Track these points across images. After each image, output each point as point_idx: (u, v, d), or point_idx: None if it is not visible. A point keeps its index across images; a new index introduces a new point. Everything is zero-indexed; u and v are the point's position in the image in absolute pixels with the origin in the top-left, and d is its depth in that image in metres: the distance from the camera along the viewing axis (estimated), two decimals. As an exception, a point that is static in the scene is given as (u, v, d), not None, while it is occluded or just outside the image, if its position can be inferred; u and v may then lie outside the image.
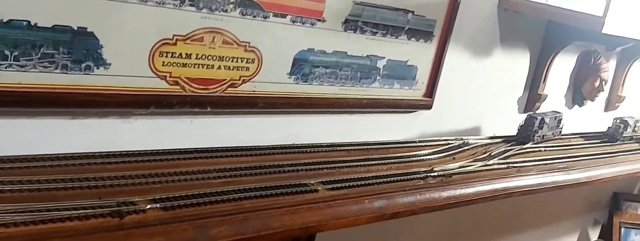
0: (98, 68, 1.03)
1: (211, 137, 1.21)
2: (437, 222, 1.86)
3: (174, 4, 1.07)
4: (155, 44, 1.08)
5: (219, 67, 1.17)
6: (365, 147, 1.36)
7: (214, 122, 1.23)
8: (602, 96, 2.30)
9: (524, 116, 1.73)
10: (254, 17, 1.18)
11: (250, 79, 1.23)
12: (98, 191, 0.88)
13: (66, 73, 0.99)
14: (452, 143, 1.52)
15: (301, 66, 1.30)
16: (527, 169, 1.47)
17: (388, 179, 1.18)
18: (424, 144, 1.47)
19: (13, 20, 0.92)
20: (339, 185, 1.10)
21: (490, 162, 1.45)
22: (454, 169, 1.33)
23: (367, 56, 1.42)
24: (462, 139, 1.57)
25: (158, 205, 0.87)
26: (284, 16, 1.23)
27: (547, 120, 1.70)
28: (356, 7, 1.34)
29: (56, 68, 0.98)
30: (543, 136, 1.71)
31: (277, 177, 1.08)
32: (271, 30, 1.22)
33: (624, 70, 2.33)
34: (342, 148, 1.31)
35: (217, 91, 1.19)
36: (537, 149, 1.67)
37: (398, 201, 1.13)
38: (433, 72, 1.58)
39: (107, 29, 1.01)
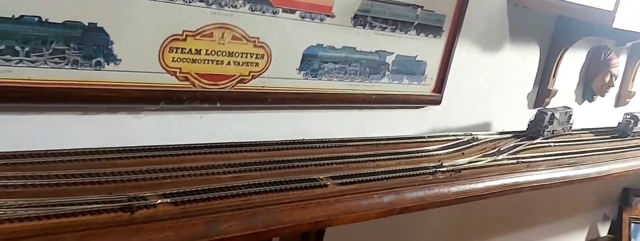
0: (108, 64, 1.03)
1: (221, 132, 1.22)
2: (446, 217, 1.86)
3: (184, 0, 1.08)
4: (165, 39, 1.08)
5: (229, 63, 1.18)
6: (374, 142, 1.36)
7: (223, 117, 1.23)
8: (613, 92, 2.28)
9: (534, 111, 1.72)
10: (263, 12, 1.19)
11: (259, 74, 1.23)
12: (109, 186, 0.89)
13: (77, 69, 1.00)
14: (461, 138, 1.52)
15: (310, 62, 1.30)
16: (537, 164, 1.47)
17: (397, 174, 1.18)
18: (433, 139, 1.47)
19: (24, 16, 0.92)
20: (348, 180, 1.10)
21: (500, 157, 1.45)
22: (463, 164, 1.33)
23: (376, 51, 1.41)
24: (471, 134, 1.57)
25: (168, 200, 0.88)
26: (293, 12, 1.23)
27: (557, 115, 1.69)
28: (365, 3, 1.34)
29: (67, 64, 0.99)
30: (553, 131, 1.71)
31: (287, 172, 1.08)
32: (280, 25, 1.22)
33: (634, 65, 2.32)
34: (351, 143, 1.31)
35: (226, 87, 1.19)
36: (547, 144, 1.66)
37: (407, 196, 1.13)
38: (442, 68, 1.57)
39: (117, 25, 1.02)
